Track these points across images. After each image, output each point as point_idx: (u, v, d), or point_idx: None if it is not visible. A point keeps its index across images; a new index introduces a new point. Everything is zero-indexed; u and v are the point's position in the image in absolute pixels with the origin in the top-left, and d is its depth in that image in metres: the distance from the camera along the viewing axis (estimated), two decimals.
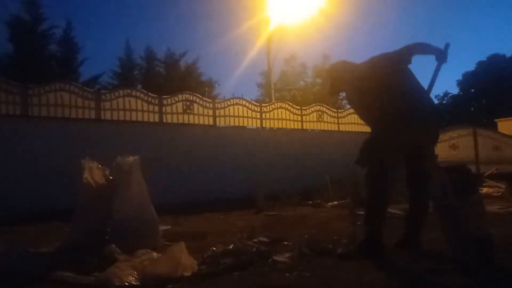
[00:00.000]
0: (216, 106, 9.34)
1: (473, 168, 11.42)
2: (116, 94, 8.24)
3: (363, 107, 3.23)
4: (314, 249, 3.04)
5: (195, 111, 9.03)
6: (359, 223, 3.21)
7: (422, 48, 3.13)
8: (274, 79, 17.48)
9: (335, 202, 6.74)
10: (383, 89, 3.01)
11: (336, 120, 11.34)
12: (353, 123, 11.38)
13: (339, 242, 3.27)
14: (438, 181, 2.71)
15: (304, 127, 10.65)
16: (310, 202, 7.07)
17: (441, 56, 3.10)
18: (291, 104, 10.88)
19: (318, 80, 26.63)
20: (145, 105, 8.43)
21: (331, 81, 3.48)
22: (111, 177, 3.61)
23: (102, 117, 7.93)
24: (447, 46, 3.12)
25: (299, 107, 10.76)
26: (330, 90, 3.58)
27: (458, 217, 2.53)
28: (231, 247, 3.16)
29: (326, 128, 11.06)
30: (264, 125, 9.99)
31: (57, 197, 6.12)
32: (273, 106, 10.32)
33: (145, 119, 8.40)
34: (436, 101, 36.20)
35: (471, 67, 37.46)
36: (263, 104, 10.34)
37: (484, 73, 32.12)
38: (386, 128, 2.98)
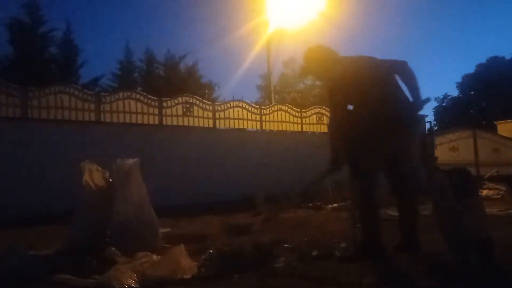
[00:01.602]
0: (216, 109, 9.35)
1: (473, 170, 11.41)
2: (116, 96, 8.25)
3: (341, 100, 3.16)
4: (314, 252, 3.04)
5: (195, 114, 9.04)
6: (359, 225, 3.21)
7: (413, 83, 2.99)
8: (273, 81, 17.48)
9: (335, 205, 6.73)
10: (368, 89, 2.98)
11: None
12: None
13: (339, 244, 3.27)
14: (438, 184, 2.71)
15: (304, 130, 10.66)
16: (310, 204, 7.06)
17: (415, 106, 2.98)
18: (291, 106, 10.89)
19: (318, 83, 26.63)
20: (145, 107, 8.43)
21: (305, 65, 3.37)
22: (111, 180, 3.61)
23: (102, 120, 7.94)
24: (427, 100, 3.02)
25: (299, 110, 10.77)
26: (303, 72, 3.52)
27: (458, 220, 2.53)
28: (230, 249, 3.16)
29: (326, 130, 11.05)
30: (264, 128, 9.99)
31: (57, 199, 6.12)
32: (273, 109, 10.32)
33: (145, 122, 8.41)
34: (435, 104, 36.29)
35: (470, 69, 37.53)
36: (263, 107, 10.34)
37: (483, 75, 32.13)
38: (365, 130, 2.99)
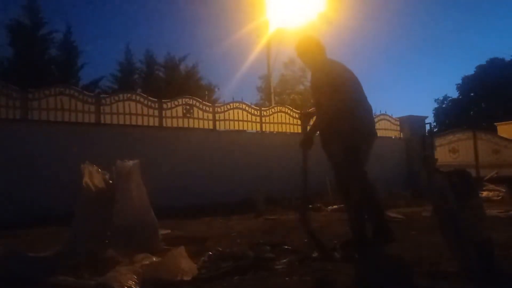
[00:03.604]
0: (216, 110, 9.35)
1: (473, 172, 11.42)
2: (116, 98, 8.25)
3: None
4: (314, 253, 3.04)
5: (195, 115, 9.04)
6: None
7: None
8: (273, 83, 17.49)
9: (335, 206, 6.74)
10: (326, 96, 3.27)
11: None
12: None
13: (338, 246, 3.27)
14: (438, 185, 2.71)
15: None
16: (310, 206, 7.06)
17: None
18: (291, 108, 10.88)
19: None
20: (145, 109, 8.43)
21: (296, 49, 3.65)
22: (111, 181, 3.61)
23: (102, 121, 7.93)
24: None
25: (298, 111, 10.76)
26: (296, 53, 3.71)
27: (458, 221, 2.53)
28: (230, 251, 3.16)
29: None
30: (264, 129, 9.98)
31: (57, 201, 6.11)
32: (273, 110, 10.32)
33: (145, 123, 8.41)
34: (435, 105, 36.36)
35: (470, 71, 37.54)
36: (262, 108, 10.34)
37: (483, 77, 32.16)
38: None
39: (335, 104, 3.21)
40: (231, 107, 9.58)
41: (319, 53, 3.51)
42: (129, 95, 8.47)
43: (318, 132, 3.55)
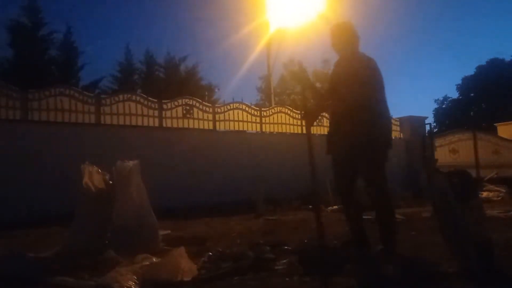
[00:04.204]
0: (216, 111, 9.35)
1: (473, 172, 11.41)
2: (116, 98, 8.25)
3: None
4: (314, 253, 3.04)
5: (195, 116, 9.04)
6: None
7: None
8: (273, 83, 17.47)
9: (335, 207, 6.74)
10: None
11: None
12: None
13: (339, 246, 3.28)
14: (438, 186, 2.72)
15: (304, 132, 10.64)
16: (310, 206, 7.06)
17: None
18: (291, 108, 10.87)
19: (318, 85, 26.60)
20: (145, 109, 8.43)
21: (330, 34, 3.40)
22: (111, 182, 3.61)
23: (102, 122, 7.93)
24: None
25: (298, 111, 10.77)
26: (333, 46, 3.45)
27: (458, 222, 2.53)
28: (230, 251, 3.16)
29: (326, 133, 10.98)
30: (264, 130, 9.98)
31: (57, 201, 6.11)
32: (273, 111, 10.32)
33: (145, 124, 8.41)
34: (435, 105, 36.35)
35: (470, 71, 37.51)
36: (262, 109, 10.33)
37: (483, 77, 32.15)
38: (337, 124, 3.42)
39: (357, 97, 3.08)
40: (231, 107, 9.58)
41: (353, 43, 3.33)
42: (129, 95, 8.47)
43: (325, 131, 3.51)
